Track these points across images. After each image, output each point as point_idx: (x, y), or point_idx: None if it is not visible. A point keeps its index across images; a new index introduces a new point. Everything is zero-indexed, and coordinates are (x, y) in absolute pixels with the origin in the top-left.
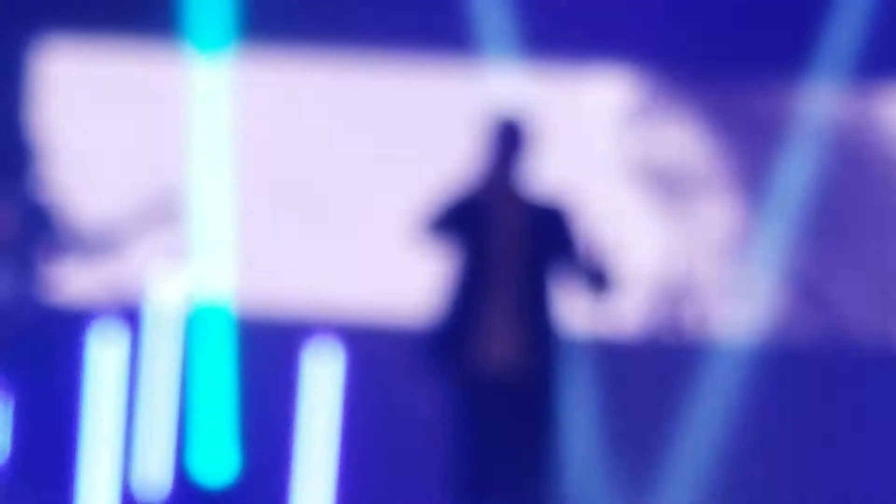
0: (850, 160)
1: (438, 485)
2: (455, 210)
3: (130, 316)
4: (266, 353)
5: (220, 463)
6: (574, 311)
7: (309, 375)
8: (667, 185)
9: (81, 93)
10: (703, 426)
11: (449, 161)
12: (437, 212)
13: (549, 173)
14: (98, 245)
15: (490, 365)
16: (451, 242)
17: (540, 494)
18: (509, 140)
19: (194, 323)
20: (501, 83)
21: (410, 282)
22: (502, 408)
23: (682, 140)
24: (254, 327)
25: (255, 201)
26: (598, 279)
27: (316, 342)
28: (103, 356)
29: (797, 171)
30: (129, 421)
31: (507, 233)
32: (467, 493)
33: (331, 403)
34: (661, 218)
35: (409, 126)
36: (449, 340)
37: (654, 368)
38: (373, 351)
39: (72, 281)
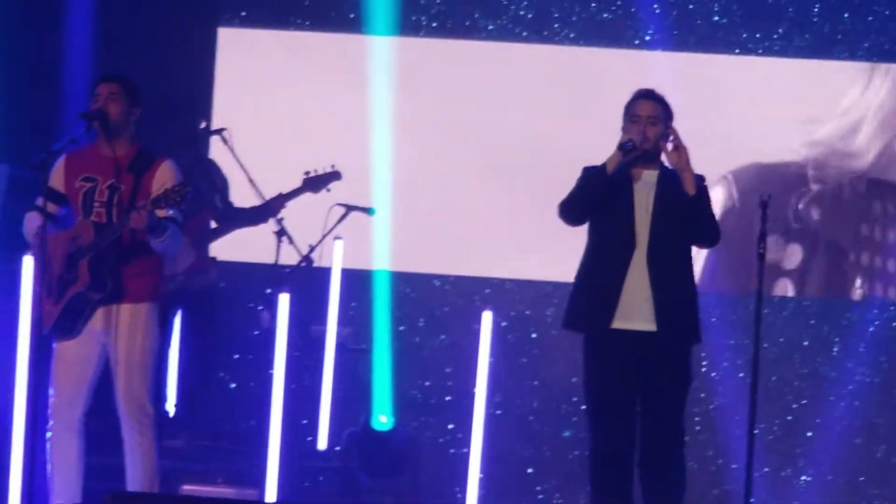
0: None
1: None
2: (600, 182)
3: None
4: (426, 317)
5: (386, 413)
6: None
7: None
8: None
9: (256, 79)
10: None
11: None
12: (585, 184)
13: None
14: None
15: (631, 327)
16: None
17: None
18: (650, 117)
19: (361, 286)
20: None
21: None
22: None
23: None
24: (413, 293)
25: (418, 176)
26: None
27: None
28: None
29: None
30: (298, 376)
31: (640, 204)
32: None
33: (486, 367)
34: None
35: (564, 105)
36: (593, 304)
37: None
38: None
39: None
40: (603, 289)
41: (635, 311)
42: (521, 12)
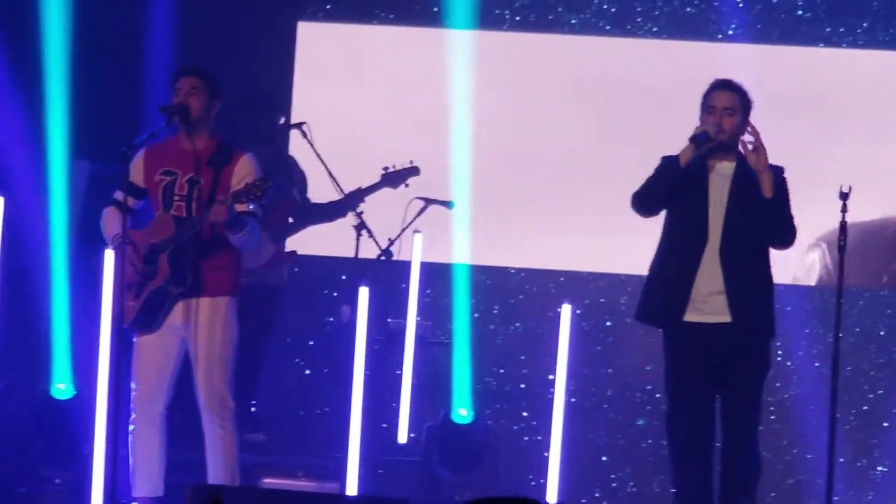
0: None
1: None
2: (675, 174)
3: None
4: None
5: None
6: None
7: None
8: None
9: (336, 73)
10: None
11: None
12: (658, 175)
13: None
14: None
15: (704, 319)
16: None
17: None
18: (726, 108)
19: (440, 279)
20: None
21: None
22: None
23: None
24: (491, 286)
25: (495, 169)
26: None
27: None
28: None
29: None
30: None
31: (715, 196)
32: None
33: (565, 359)
34: None
35: (643, 99)
36: (666, 297)
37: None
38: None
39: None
40: (675, 281)
41: (707, 303)
42: (605, 6)
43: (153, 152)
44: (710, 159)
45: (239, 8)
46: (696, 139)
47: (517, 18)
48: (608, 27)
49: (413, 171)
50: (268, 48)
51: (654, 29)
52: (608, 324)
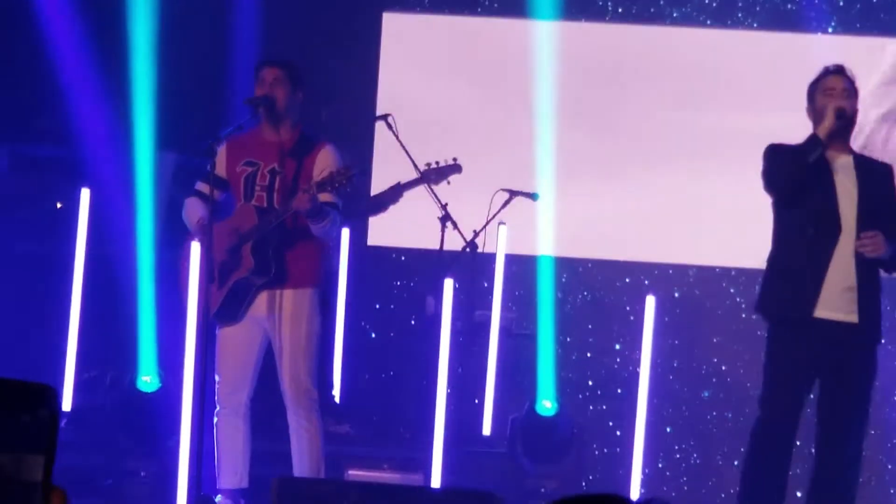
0: None
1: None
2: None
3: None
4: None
5: (550, 398)
6: None
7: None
8: None
9: (421, 65)
10: None
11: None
12: (798, 155)
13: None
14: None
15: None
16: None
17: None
18: (845, 89)
19: (525, 271)
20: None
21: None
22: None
23: None
24: (575, 278)
25: (580, 160)
26: None
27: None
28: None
29: None
30: (463, 362)
31: (843, 188)
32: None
33: (650, 352)
34: None
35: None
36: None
37: None
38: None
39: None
40: (806, 275)
41: (837, 300)
42: (706, 0)
43: (235, 144)
44: (829, 150)
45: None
46: (840, 112)
47: (619, 10)
48: (709, 21)
49: (455, 168)
50: (353, 39)
51: (755, 25)
52: (678, 311)
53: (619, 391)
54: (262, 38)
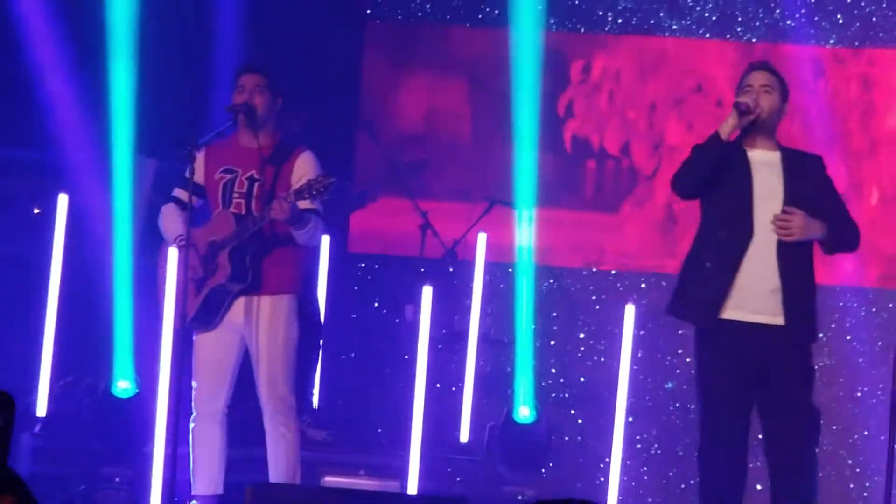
0: None
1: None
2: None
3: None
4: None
5: (528, 406)
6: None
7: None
8: None
9: (400, 70)
10: None
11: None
12: (698, 152)
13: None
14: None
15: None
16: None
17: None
18: (764, 85)
19: (504, 279)
20: None
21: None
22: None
23: None
24: (554, 286)
25: (560, 170)
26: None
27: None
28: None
29: None
30: (441, 369)
31: (763, 186)
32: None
33: (629, 359)
34: None
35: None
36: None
37: None
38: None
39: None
40: (714, 275)
41: (755, 302)
42: (707, 14)
43: (213, 150)
44: (750, 145)
45: (306, 6)
46: (737, 106)
47: (619, 21)
48: (708, 35)
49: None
50: (336, 46)
51: (753, 40)
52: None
53: (596, 398)
54: (242, 45)
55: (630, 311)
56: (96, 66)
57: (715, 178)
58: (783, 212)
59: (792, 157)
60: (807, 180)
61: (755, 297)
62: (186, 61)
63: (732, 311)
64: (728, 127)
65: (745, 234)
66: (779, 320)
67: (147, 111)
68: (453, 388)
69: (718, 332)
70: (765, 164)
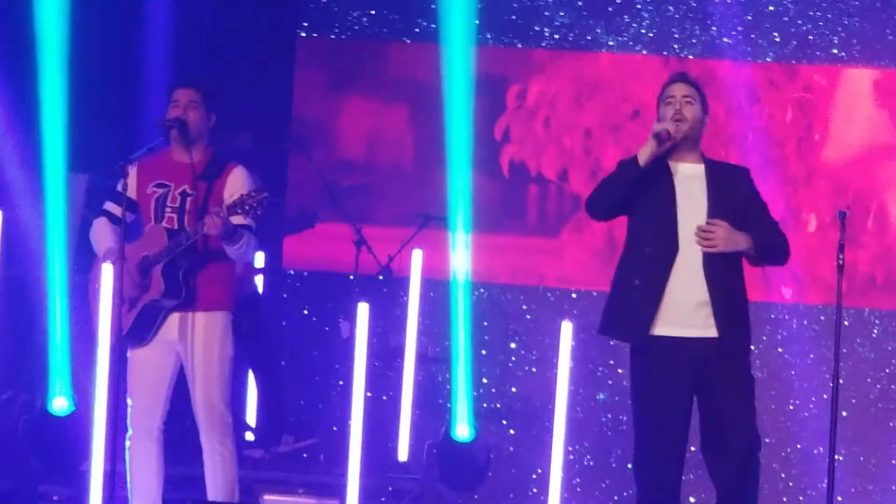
0: None
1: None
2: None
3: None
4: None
5: (466, 424)
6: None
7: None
8: None
9: (334, 87)
10: None
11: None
12: (613, 176)
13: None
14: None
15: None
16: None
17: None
18: (685, 95)
19: (440, 296)
20: None
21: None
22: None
23: None
24: (490, 303)
25: (495, 185)
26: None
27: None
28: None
29: None
30: (378, 387)
31: (687, 200)
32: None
33: (567, 376)
34: None
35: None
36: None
37: None
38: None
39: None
40: (643, 292)
41: (690, 316)
42: (643, 31)
43: (146, 165)
44: (673, 158)
45: (237, 22)
46: (657, 136)
47: (556, 37)
48: (645, 52)
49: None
50: (266, 62)
51: (690, 56)
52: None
53: (529, 409)
54: (174, 61)
55: (567, 327)
56: (28, 82)
57: (631, 199)
58: (706, 223)
59: (716, 168)
60: (732, 192)
61: (684, 311)
62: (117, 76)
63: (663, 326)
64: (647, 153)
65: (670, 248)
66: (711, 332)
67: (79, 127)
68: (391, 407)
69: (650, 348)
70: (688, 178)
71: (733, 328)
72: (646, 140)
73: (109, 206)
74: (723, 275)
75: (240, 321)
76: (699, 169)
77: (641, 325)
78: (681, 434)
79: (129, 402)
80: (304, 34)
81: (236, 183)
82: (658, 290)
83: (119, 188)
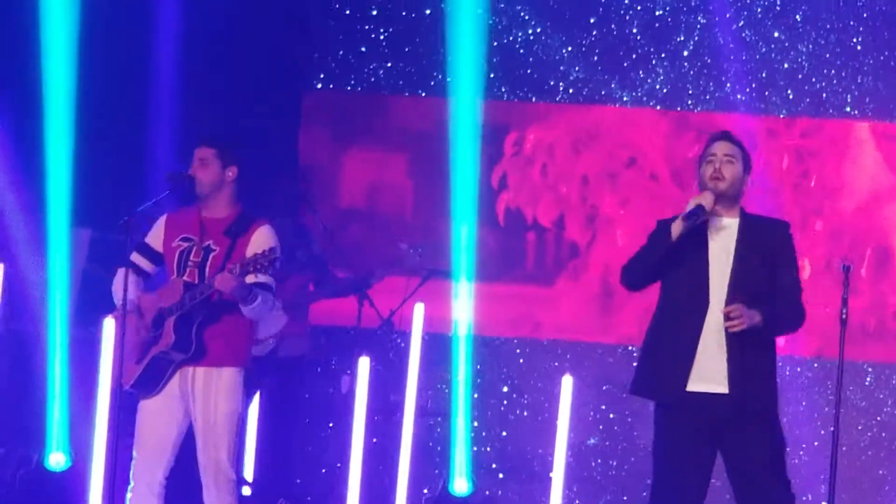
0: None
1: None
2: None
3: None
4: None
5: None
6: None
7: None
8: None
9: (343, 140)
10: None
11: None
12: (647, 248)
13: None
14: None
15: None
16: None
17: None
18: (726, 154)
19: (441, 350)
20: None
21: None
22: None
23: None
24: (492, 358)
25: (498, 240)
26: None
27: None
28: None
29: None
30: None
31: (718, 254)
32: None
33: (566, 430)
34: None
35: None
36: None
37: None
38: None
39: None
40: (676, 349)
41: (712, 371)
42: (657, 86)
43: (175, 218)
44: (710, 213)
45: (244, 76)
46: (688, 217)
47: (570, 91)
48: (658, 107)
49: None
50: (273, 116)
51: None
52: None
53: (534, 469)
54: (181, 115)
55: (567, 381)
56: (33, 135)
57: (665, 269)
58: (725, 314)
59: (751, 220)
60: (762, 244)
61: (712, 366)
62: (125, 131)
63: (695, 383)
64: (679, 229)
65: (702, 303)
66: (723, 388)
67: (83, 180)
68: (390, 460)
69: (681, 405)
70: (720, 230)
71: (748, 385)
72: (646, 188)
73: (135, 256)
74: (740, 333)
75: (262, 379)
76: (733, 222)
77: (678, 383)
78: (702, 492)
79: (134, 454)
80: (319, 86)
81: (259, 242)
82: (693, 345)
83: (146, 239)
